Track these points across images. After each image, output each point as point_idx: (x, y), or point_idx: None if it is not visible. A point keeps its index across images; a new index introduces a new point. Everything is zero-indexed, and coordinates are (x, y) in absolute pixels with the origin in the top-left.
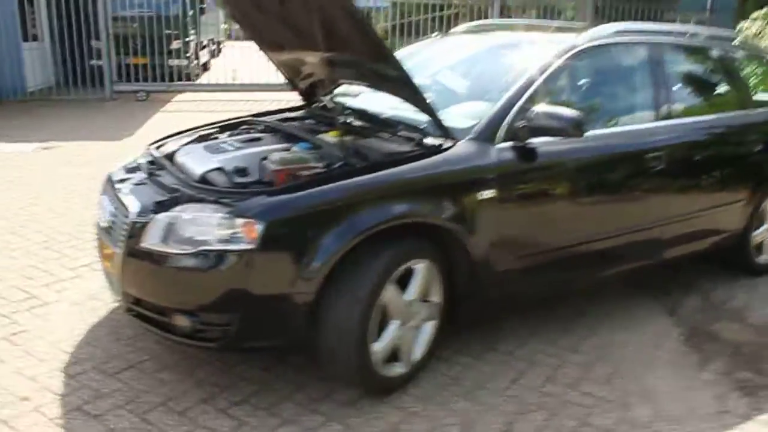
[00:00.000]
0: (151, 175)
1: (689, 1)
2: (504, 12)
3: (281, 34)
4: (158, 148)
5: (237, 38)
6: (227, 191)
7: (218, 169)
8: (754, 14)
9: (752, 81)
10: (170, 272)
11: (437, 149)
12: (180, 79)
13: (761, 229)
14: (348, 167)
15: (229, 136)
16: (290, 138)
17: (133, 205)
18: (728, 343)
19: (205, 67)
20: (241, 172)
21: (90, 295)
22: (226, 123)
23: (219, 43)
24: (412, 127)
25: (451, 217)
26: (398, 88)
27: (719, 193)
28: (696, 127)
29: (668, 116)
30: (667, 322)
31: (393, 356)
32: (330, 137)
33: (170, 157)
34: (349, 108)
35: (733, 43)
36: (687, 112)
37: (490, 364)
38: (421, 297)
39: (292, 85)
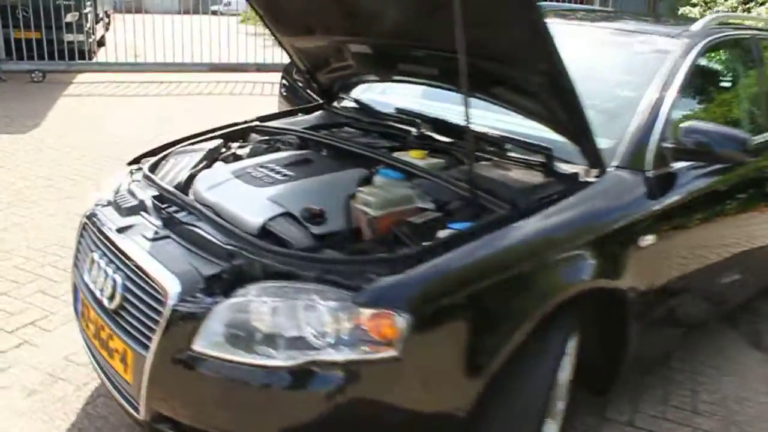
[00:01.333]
0: (170, 222)
1: None
2: None
3: (317, 11)
4: (152, 170)
5: (122, 11)
6: (329, 259)
7: (285, 214)
8: None
9: None
10: (248, 392)
11: (580, 181)
12: (81, 58)
13: None
14: (479, 211)
15: (252, 154)
16: (349, 159)
17: (169, 280)
18: None
19: (100, 42)
20: (317, 218)
21: (50, 375)
22: (226, 132)
23: (109, 15)
24: (530, 146)
25: (617, 275)
26: (534, 101)
27: None
28: None
29: None
30: (760, 359)
31: None
32: (416, 159)
33: (183, 189)
34: (412, 114)
35: None
36: None
37: None
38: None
39: (310, 78)
